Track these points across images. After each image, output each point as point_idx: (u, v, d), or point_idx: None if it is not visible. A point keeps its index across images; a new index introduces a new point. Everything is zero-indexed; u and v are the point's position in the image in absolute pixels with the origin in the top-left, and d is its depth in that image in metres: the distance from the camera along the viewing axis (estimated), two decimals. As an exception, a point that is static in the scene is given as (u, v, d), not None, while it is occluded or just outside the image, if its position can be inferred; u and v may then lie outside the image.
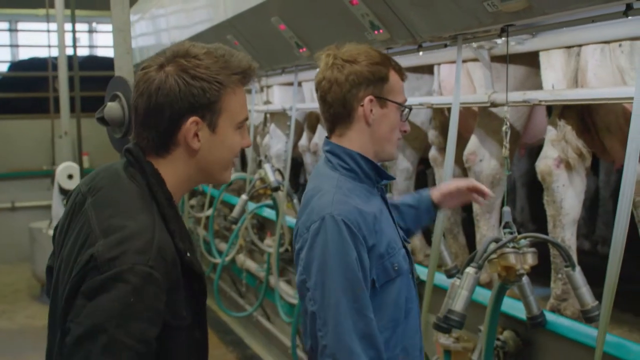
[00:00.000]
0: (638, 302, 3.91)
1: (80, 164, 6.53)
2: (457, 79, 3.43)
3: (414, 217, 2.69)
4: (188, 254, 1.77)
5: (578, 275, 2.84)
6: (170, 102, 1.73)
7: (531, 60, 3.74)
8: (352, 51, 2.33)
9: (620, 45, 3.03)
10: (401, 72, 2.41)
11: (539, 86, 3.81)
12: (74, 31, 6.41)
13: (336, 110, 2.31)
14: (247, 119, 1.87)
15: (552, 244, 3.02)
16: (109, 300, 1.59)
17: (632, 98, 2.87)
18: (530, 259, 2.80)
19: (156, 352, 1.67)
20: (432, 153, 4.46)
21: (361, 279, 2.13)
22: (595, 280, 3.63)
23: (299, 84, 5.71)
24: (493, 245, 2.79)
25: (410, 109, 2.40)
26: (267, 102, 6.62)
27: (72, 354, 1.60)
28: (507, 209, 2.95)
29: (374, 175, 2.35)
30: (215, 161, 1.84)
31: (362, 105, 2.28)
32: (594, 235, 5.53)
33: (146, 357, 1.63)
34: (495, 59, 3.80)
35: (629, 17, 2.57)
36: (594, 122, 3.29)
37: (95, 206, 1.76)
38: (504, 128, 3.04)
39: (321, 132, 5.80)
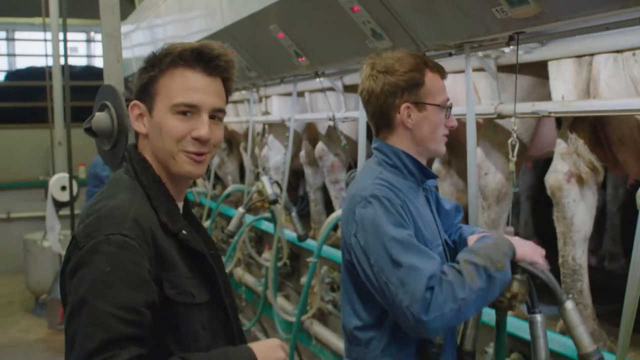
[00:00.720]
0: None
1: (71, 174, 6.36)
2: (469, 89, 3.28)
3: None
4: (184, 232, 1.85)
5: (573, 312, 2.37)
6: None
7: (538, 70, 3.60)
8: (388, 60, 2.40)
9: (634, 55, 2.89)
10: (441, 71, 2.46)
11: (545, 97, 3.66)
12: (65, 40, 6.28)
13: (377, 119, 2.45)
14: (191, 104, 1.87)
15: (534, 276, 2.39)
16: (88, 272, 1.66)
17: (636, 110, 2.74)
18: (515, 287, 2.34)
19: (171, 327, 1.76)
20: (436, 166, 4.31)
21: (412, 235, 2.24)
22: (602, 298, 3.50)
23: (299, 94, 5.57)
24: None
25: (451, 106, 2.46)
26: (266, 113, 6.48)
27: (67, 333, 1.67)
28: (509, 229, 2.75)
29: (419, 173, 2.44)
30: (166, 143, 1.87)
31: (399, 113, 2.38)
32: (601, 250, 5.37)
33: (137, 325, 1.63)
34: (501, 68, 3.66)
35: (648, 23, 2.42)
36: (606, 135, 3.14)
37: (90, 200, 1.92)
38: (510, 140, 2.89)
39: (322, 145, 5.65)
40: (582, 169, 3.14)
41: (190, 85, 1.84)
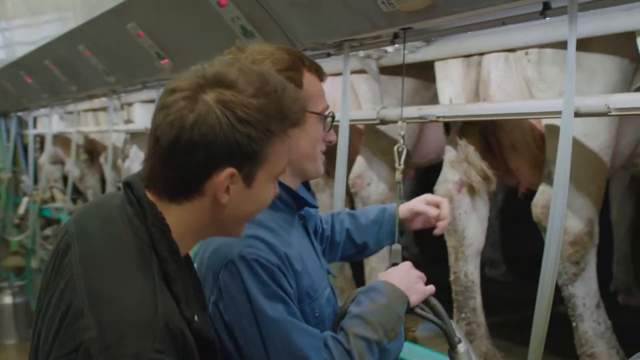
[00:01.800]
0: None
1: None
2: (345, 93, 2.99)
3: (375, 234, 2.34)
4: (195, 318, 1.46)
5: (464, 355, 2.07)
6: (207, 145, 1.40)
7: (420, 71, 3.38)
8: (256, 55, 1.87)
9: (527, 54, 2.68)
10: (319, 72, 1.97)
11: (428, 101, 3.45)
12: None
13: None
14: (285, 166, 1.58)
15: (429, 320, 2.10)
16: None
17: (541, 113, 2.54)
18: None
19: None
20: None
21: (290, 306, 1.80)
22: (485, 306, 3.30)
23: (163, 100, 5.12)
24: None
25: (334, 117, 1.97)
26: (128, 121, 5.97)
27: None
28: (397, 247, 2.35)
29: (294, 203, 1.97)
30: (240, 216, 1.56)
31: None
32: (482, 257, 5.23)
33: None
34: (383, 70, 3.40)
35: (547, 19, 2.20)
36: (497, 141, 2.93)
37: (81, 260, 1.42)
38: (397, 147, 2.61)
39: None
40: (474, 177, 2.92)
41: (288, 147, 1.55)
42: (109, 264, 1.41)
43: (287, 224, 1.94)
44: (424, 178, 5.15)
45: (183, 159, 1.41)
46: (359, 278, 3.93)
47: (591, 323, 2.76)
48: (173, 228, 1.46)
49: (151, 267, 1.41)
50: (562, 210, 2.11)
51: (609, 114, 2.26)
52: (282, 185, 1.86)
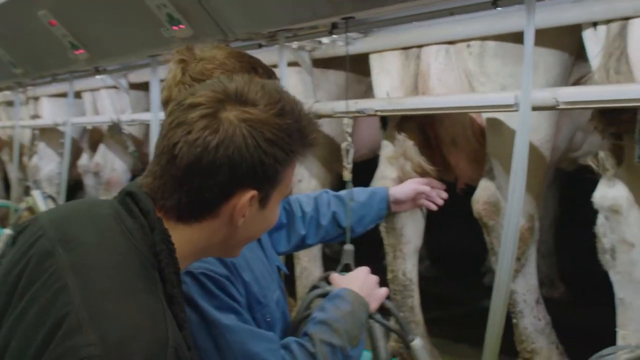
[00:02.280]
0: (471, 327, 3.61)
1: None
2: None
3: (362, 217, 2.43)
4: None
5: (421, 351, 2.10)
6: (232, 166, 1.32)
7: (353, 64, 3.27)
8: (206, 64, 1.77)
9: (468, 46, 2.61)
10: (272, 79, 1.86)
11: (361, 95, 3.36)
12: None
13: None
14: None
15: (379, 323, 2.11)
16: None
17: (492, 106, 2.47)
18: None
19: None
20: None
21: (242, 315, 1.75)
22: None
23: (76, 94, 4.86)
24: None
25: None
26: (35, 117, 5.64)
27: None
28: (350, 247, 2.39)
29: None
30: (246, 238, 1.49)
31: None
32: None
33: None
34: (314, 63, 3.29)
35: (498, 9, 2.13)
36: (436, 135, 2.85)
37: (75, 270, 1.27)
38: (344, 145, 2.50)
39: (105, 151, 4.99)
40: (412, 173, 2.83)
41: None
42: (112, 277, 1.27)
43: None
44: (355, 174, 5.07)
45: (203, 180, 1.32)
46: (289, 278, 3.80)
47: (531, 319, 2.73)
48: (177, 248, 1.37)
49: (156, 287, 1.31)
50: (518, 206, 2.05)
51: (558, 107, 2.21)
52: None
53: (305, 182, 3.45)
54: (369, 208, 2.44)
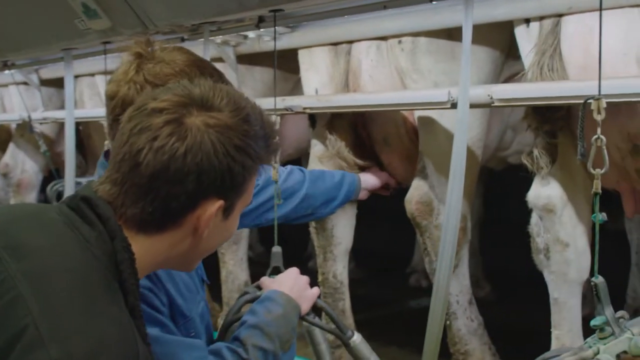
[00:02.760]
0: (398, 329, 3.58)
1: None
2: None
3: (330, 198, 2.51)
4: None
5: (361, 345, 2.00)
6: (200, 174, 1.26)
7: (280, 61, 3.17)
8: (165, 67, 1.64)
9: (400, 42, 2.55)
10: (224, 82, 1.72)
11: (287, 93, 3.26)
12: None
13: None
14: None
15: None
16: None
17: (416, 104, 2.41)
18: None
19: None
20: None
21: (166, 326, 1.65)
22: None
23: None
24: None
25: None
26: None
27: None
28: (278, 249, 2.30)
29: None
30: (206, 250, 1.42)
31: None
32: None
33: None
34: (239, 59, 3.17)
35: (434, 2, 2.07)
36: (369, 134, 2.77)
37: (27, 278, 1.17)
38: None
39: (14, 151, 4.72)
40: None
41: None
42: (71, 287, 1.18)
43: None
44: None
45: (169, 189, 1.26)
46: (213, 282, 3.67)
47: (464, 320, 2.69)
48: (136, 259, 1.30)
49: (119, 298, 1.24)
50: (457, 206, 1.99)
51: (493, 104, 2.17)
52: None
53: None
54: (339, 189, 2.48)
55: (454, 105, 2.21)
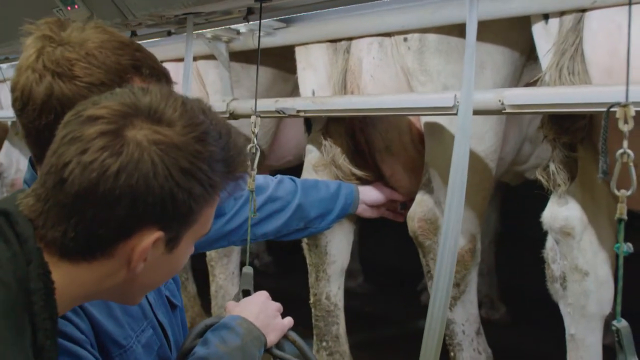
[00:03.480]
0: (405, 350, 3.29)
1: None
2: (186, 80, 2.47)
3: (326, 211, 2.31)
4: None
5: None
6: (135, 199, 1.09)
7: (279, 61, 2.93)
8: (68, 50, 1.37)
9: (406, 40, 2.27)
10: (162, 77, 1.48)
11: (287, 94, 3.01)
12: None
13: (32, 147, 1.47)
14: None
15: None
16: None
17: (418, 109, 2.15)
18: None
19: None
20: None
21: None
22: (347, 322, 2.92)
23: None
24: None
25: None
26: None
27: None
28: (249, 270, 2.06)
29: None
30: (148, 285, 1.28)
31: None
32: None
33: None
34: (235, 57, 2.92)
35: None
36: (368, 141, 2.50)
37: None
38: (249, 147, 2.15)
39: (9, 149, 4.54)
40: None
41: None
42: None
43: None
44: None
45: (96, 212, 1.09)
46: (205, 298, 3.43)
47: (471, 352, 2.40)
48: (57, 289, 1.13)
49: (24, 335, 1.08)
50: (457, 224, 1.72)
51: (503, 111, 1.89)
52: None
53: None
54: (335, 201, 2.29)
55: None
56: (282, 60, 2.91)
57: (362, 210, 2.44)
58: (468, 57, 1.70)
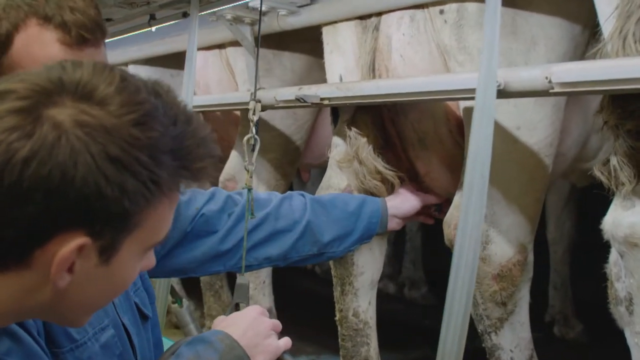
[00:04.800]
0: None
1: None
2: (190, 67, 2.21)
3: (345, 233, 2.00)
4: None
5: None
6: (49, 194, 0.88)
7: (314, 45, 2.62)
8: None
9: (442, 12, 1.92)
10: (67, 28, 1.24)
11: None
12: None
13: None
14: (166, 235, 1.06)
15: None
16: None
17: (449, 92, 1.80)
18: None
19: None
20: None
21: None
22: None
23: None
24: None
25: None
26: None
27: None
28: (243, 280, 1.83)
29: None
30: (85, 304, 1.04)
31: None
32: (400, 276, 4.71)
33: None
34: (265, 42, 2.63)
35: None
36: (399, 133, 2.14)
37: None
38: (246, 138, 1.86)
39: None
40: (368, 182, 2.13)
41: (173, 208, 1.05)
42: None
43: None
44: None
45: (4, 206, 0.90)
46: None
47: (521, 385, 2.01)
48: None
49: None
50: (477, 231, 1.36)
51: (551, 91, 1.51)
52: None
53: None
54: (355, 220, 1.98)
55: (500, 93, 1.58)
56: (319, 45, 2.60)
57: (395, 225, 2.14)
58: (489, 20, 1.34)
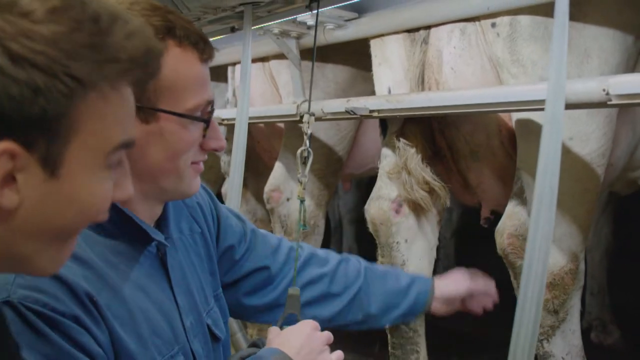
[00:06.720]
0: None
1: None
2: (244, 79, 2.23)
3: (389, 306, 1.95)
4: None
5: None
6: None
7: (357, 57, 2.65)
8: None
9: (494, 25, 1.94)
10: (199, 47, 1.33)
11: (369, 95, 2.72)
12: None
13: None
14: (130, 142, 0.97)
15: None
16: None
17: (505, 105, 1.81)
18: None
19: None
20: (225, 188, 3.24)
21: None
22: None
23: None
24: None
25: (210, 113, 1.38)
26: None
27: None
28: (295, 291, 1.79)
29: (137, 233, 1.37)
30: (43, 228, 0.92)
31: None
32: None
33: None
34: (308, 55, 2.66)
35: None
36: (450, 145, 2.17)
37: None
38: (300, 151, 1.89)
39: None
40: (417, 192, 2.16)
41: (130, 108, 0.98)
42: None
43: (122, 256, 1.33)
44: (366, 192, 4.47)
45: None
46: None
47: (573, 393, 2.03)
48: None
49: None
50: (547, 241, 1.38)
51: (609, 102, 1.53)
52: (115, 207, 1.29)
53: (295, 200, 2.82)
54: (403, 297, 1.95)
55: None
56: (362, 58, 2.63)
57: (439, 308, 2.05)
58: (557, 35, 1.36)
